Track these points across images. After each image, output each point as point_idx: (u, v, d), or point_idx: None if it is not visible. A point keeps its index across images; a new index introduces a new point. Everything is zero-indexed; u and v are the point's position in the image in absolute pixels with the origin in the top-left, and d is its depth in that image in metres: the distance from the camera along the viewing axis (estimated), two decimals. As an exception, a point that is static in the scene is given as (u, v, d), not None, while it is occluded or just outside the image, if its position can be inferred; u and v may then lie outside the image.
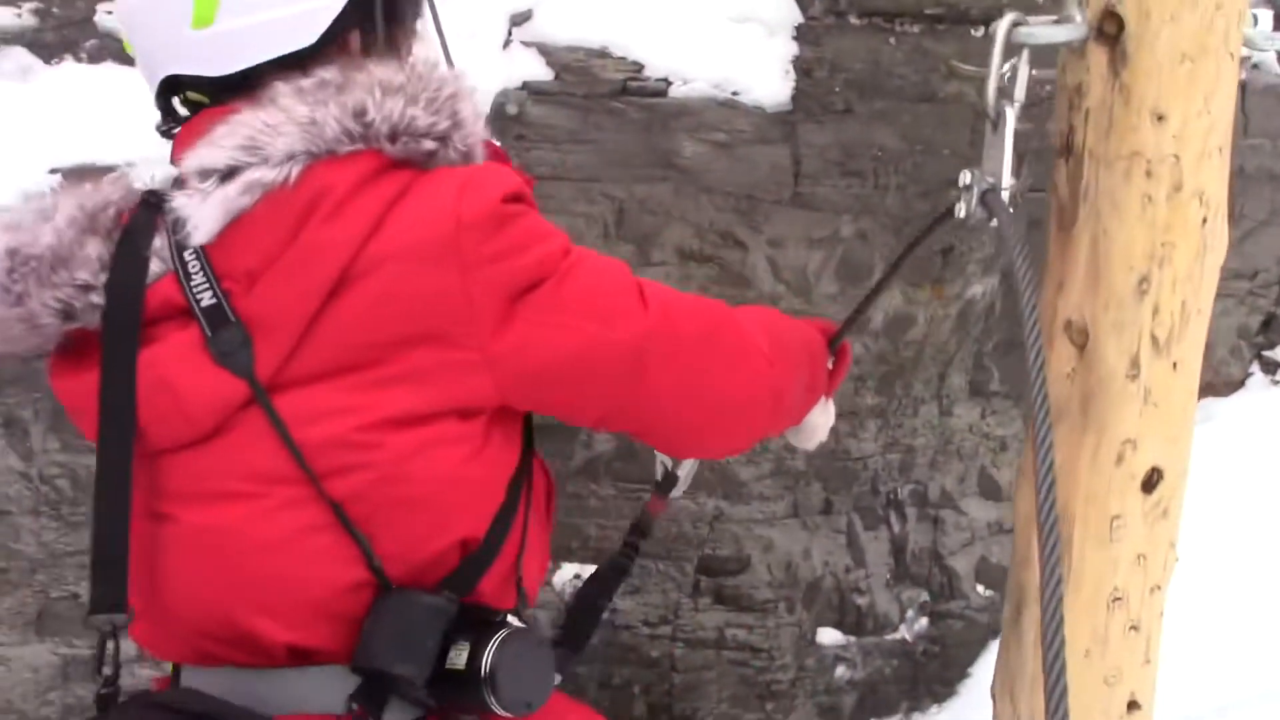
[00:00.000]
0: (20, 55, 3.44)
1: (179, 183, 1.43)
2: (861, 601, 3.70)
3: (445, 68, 1.50)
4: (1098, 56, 1.61)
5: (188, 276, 1.36)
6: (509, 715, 1.36)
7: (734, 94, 3.31)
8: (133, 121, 3.18)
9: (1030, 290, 1.51)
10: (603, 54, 3.21)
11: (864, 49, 3.34)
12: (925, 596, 3.76)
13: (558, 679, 1.50)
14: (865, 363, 3.55)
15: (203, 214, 1.34)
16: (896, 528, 3.71)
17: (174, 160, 1.47)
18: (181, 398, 1.36)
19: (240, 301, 1.34)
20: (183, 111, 1.51)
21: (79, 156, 3.18)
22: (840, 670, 3.69)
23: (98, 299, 1.39)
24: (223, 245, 1.35)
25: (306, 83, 1.40)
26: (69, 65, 3.47)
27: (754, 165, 3.29)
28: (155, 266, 1.39)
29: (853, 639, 3.71)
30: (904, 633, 3.74)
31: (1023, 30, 1.62)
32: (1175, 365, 1.67)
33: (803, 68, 3.34)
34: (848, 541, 3.66)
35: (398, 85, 1.40)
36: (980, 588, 3.81)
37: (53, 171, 3.15)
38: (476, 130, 1.46)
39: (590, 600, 1.97)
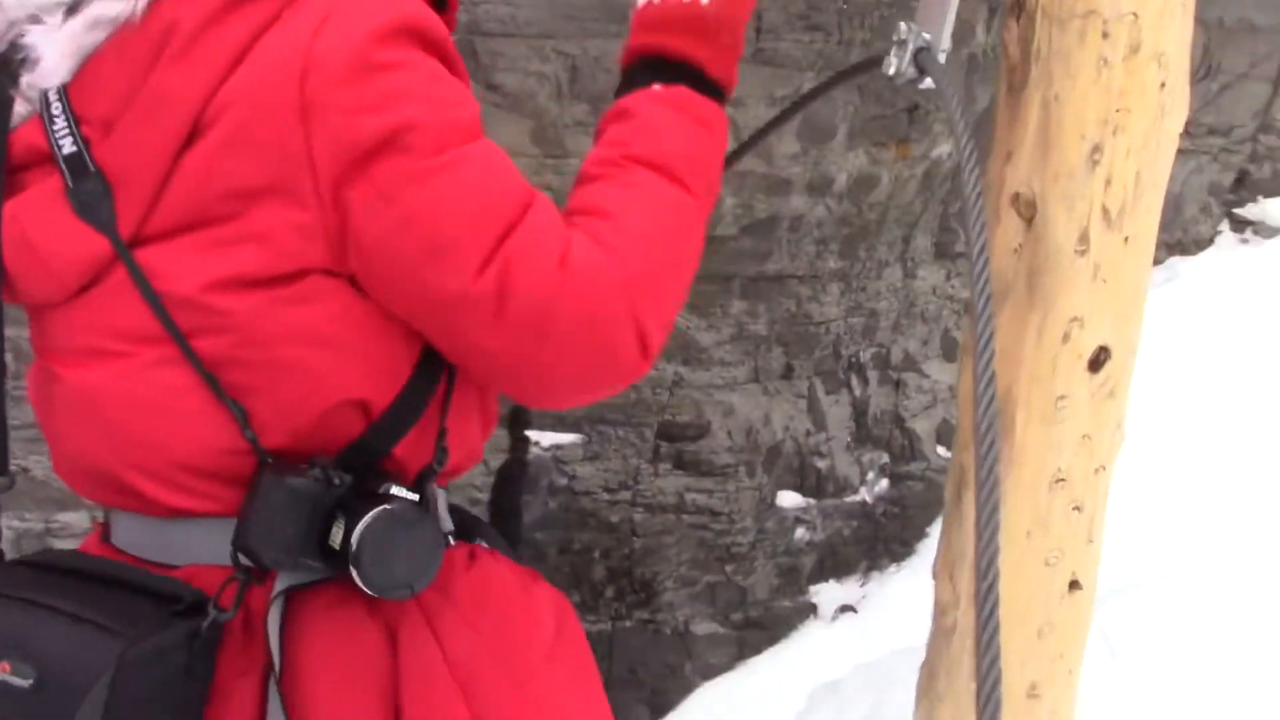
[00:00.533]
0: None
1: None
2: (822, 465, 3.66)
3: None
4: (1053, -93, 1.48)
5: (51, 119, 1.24)
6: (385, 596, 1.29)
7: (692, -57, 3.14)
8: None
9: (972, 159, 1.40)
10: (554, -104, 3.03)
11: (829, -107, 3.16)
12: (886, 459, 3.73)
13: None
14: (828, 225, 3.44)
15: (52, 52, 1.23)
16: (858, 391, 3.65)
17: None
18: (44, 257, 1.27)
19: (98, 150, 1.23)
20: None
21: None
22: (800, 532, 3.67)
23: None
24: (80, 86, 1.24)
25: None
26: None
27: (713, 19, 3.13)
28: (21, 108, 1.27)
29: (812, 501, 3.68)
30: (864, 495, 3.72)
31: None
32: (1127, 240, 1.57)
33: (765, -88, 3.16)
34: (808, 406, 3.60)
35: None
36: (941, 449, 3.77)
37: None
38: None
39: (504, 507, 1.87)
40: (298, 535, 1.26)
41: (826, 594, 3.72)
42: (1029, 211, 1.58)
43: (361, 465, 1.32)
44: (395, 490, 1.32)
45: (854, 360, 3.63)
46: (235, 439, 1.27)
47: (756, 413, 3.50)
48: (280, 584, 1.29)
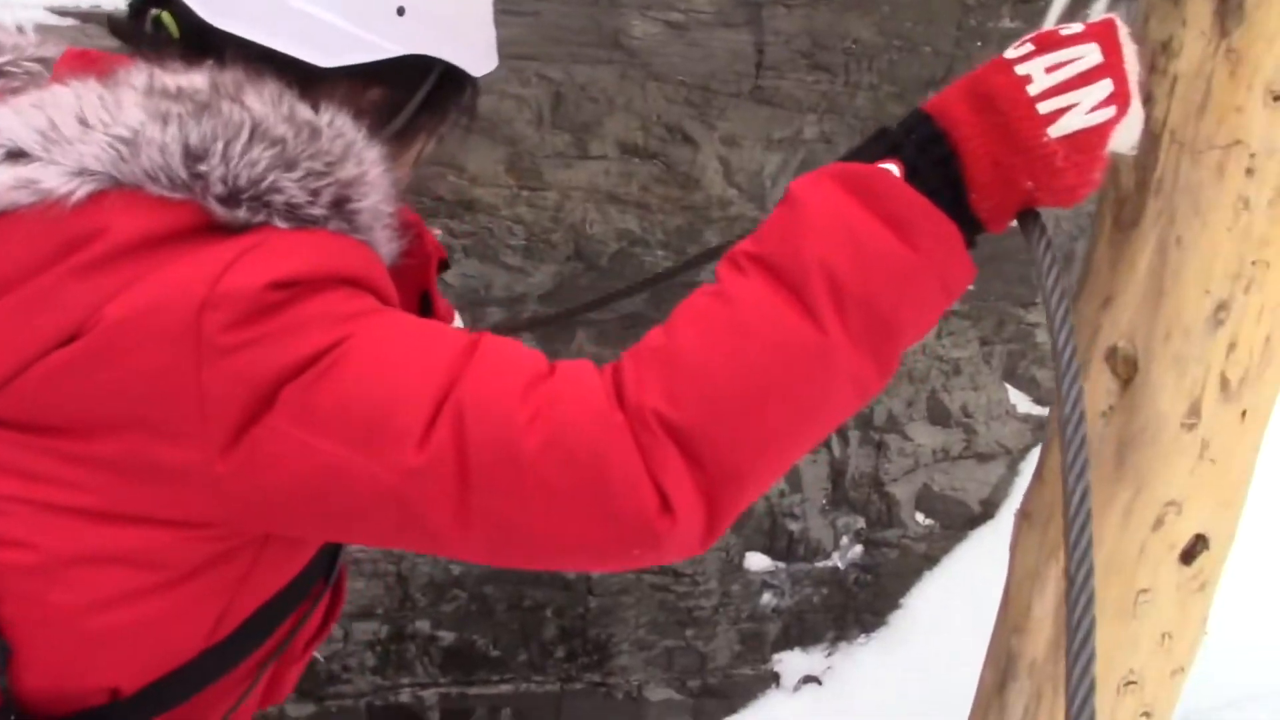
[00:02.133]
0: None
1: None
2: (794, 527, 3.34)
3: (359, 138, 1.12)
4: (1199, 7, 1.14)
5: None
6: None
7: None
8: None
9: (1062, 305, 1.07)
10: (545, -89, 2.68)
11: (844, -76, 2.83)
12: (862, 524, 3.42)
13: None
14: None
15: None
16: (837, 451, 3.34)
17: (60, 66, 1.18)
18: None
19: None
20: (147, 24, 1.19)
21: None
22: (767, 597, 3.36)
23: None
24: None
25: (168, 80, 1.07)
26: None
27: (711, 52, 2.81)
28: None
29: (782, 565, 3.37)
30: (836, 560, 3.41)
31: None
32: (1244, 414, 1.25)
33: (774, -58, 2.82)
34: (784, 465, 3.29)
35: (275, 137, 1.05)
36: (920, 516, 3.47)
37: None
38: (370, 225, 1.11)
39: None
40: None
41: (790, 663, 3.41)
42: (1127, 371, 1.25)
43: None
44: None
45: (835, 419, 3.31)
46: None
47: (729, 472, 3.18)
48: None
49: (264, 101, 1.07)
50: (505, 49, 2.59)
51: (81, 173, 1.02)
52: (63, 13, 2.59)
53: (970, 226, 1.06)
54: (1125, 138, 1.08)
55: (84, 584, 1.08)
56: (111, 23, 1.23)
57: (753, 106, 2.88)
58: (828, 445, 3.33)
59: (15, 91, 1.14)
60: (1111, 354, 1.26)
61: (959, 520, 3.47)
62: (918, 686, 3.20)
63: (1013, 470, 3.50)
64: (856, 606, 3.44)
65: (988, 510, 3.48)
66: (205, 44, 1.14)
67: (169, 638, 1.14)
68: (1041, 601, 1.37)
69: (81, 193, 1.02)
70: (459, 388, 1.01)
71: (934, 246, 1.03)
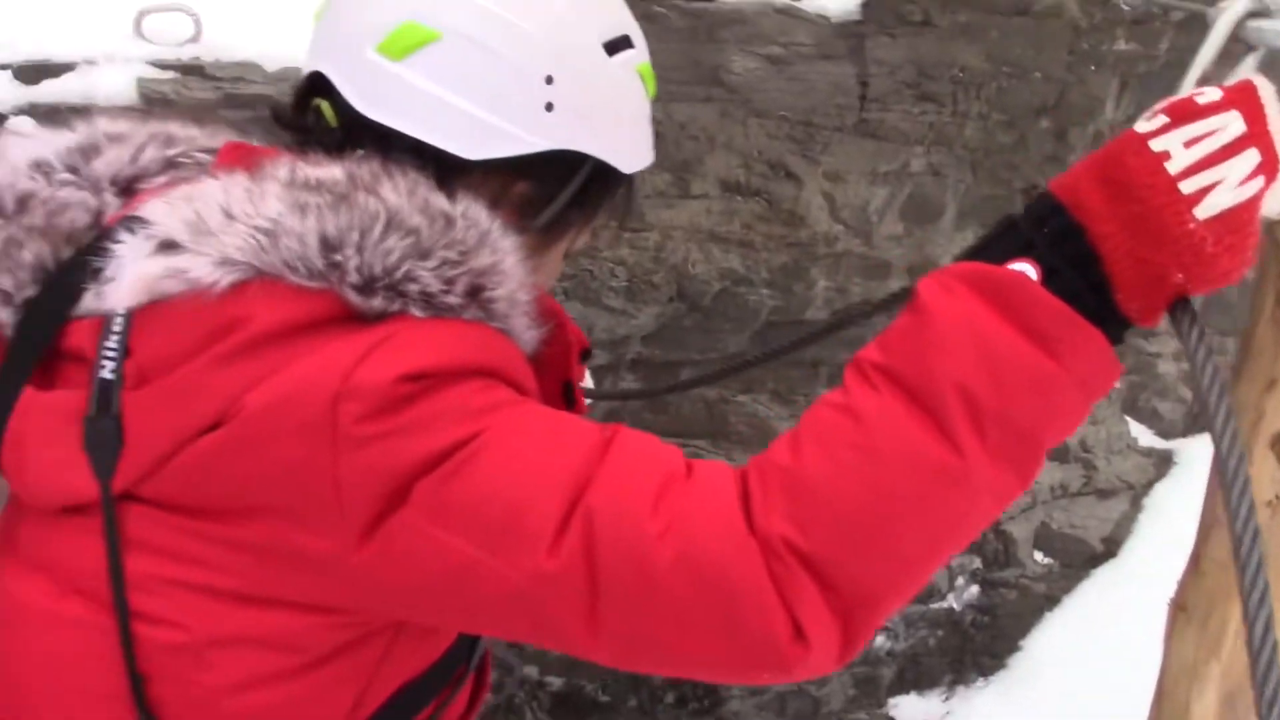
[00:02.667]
0: (-31, -70, 2.86)
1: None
2: (907, 567, 3.23)
3: (494, 227, 1.12)
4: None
5: (107, 333, 1.10)
6: None
7: (794, -1, 2.72)
8: (96, 7, 2.69)
9: (1222, 398, 0.97)
10: (643, -50, 2.61)
11: (949, -51, 2.72)
12: (978, 564, 3.29)
13: None
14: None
15: (128, 279, 1.09)
16: (951, 490, 3.22)
17: (216, 159, 1.24)
18: (33, 469, 1.15)
19: (128, 395, 1.09)
20: (309, 114, 1.24)
21: (32, 49, 2.66)
22: (880, 640, 3.27)
23: (8, 316, 1.17)
24: (145, 319, 1.09)
25: (309, 172, 1.10)
26: (25, -57, 2.90)
27: (812, 85, 2.73)
28: (91, 301, 1.13)
29: (895, 606, 3.26)
30: (952, 601, 3.29)
31: (1262, 27, 1.03)
32: None
33: (877, -30, 2.73)
34: (896, 505, 3.19)
35: (409, 227, 1.07)
36: (1038, 555, 3.33)
37: (1, 68, 2.63)
38: (507, 314, 1.12)
39: None
40: None
41: (906, 708, 3.30)
42: (1295, 459, 1.14)
43: None
44: None
45: (949, 457, 3.20)
46: None
47: (840, 513, 3.08)
48: None
49: (399, 192, 1.09)
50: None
51: (225, 262, 1.05)
52: (163, 66, 2.61)
53: (1116, 324, 0.97)
54: (1275, 203, 0.97)
55: (227, 665, 1.11)
56: (274, 111, 1.28)
57: (857, 140, 2.78)
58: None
59: (186, 181, 1.18)
60: (1277, 441, 1.16)
61: (1080, 559, 3.33)
62: (1039, 732, 3.08)
63: (1136, 506, 3.35)
64: (974, 649, 3.31)
65: (1110, 548, 3.33)
66: (360, 133, 1.18)
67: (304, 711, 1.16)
68: (1201, 702, 1.27)
69: (225, 282, 1.05)
70: (591, 491, 0.99)
71: (1078, 356, 0.94)
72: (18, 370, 1.17)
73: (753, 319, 2.94)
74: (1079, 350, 0.94)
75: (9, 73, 2.64)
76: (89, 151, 1.26)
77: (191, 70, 2.61)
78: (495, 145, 1.18)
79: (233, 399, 1.04)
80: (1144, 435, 3.35)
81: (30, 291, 1.18)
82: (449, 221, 1.09)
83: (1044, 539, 3.32)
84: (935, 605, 3.28)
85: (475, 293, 1.09)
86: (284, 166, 1.11)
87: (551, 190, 1.23)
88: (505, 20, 1.17)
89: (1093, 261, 0.95)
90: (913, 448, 0.94)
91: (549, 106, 1.19)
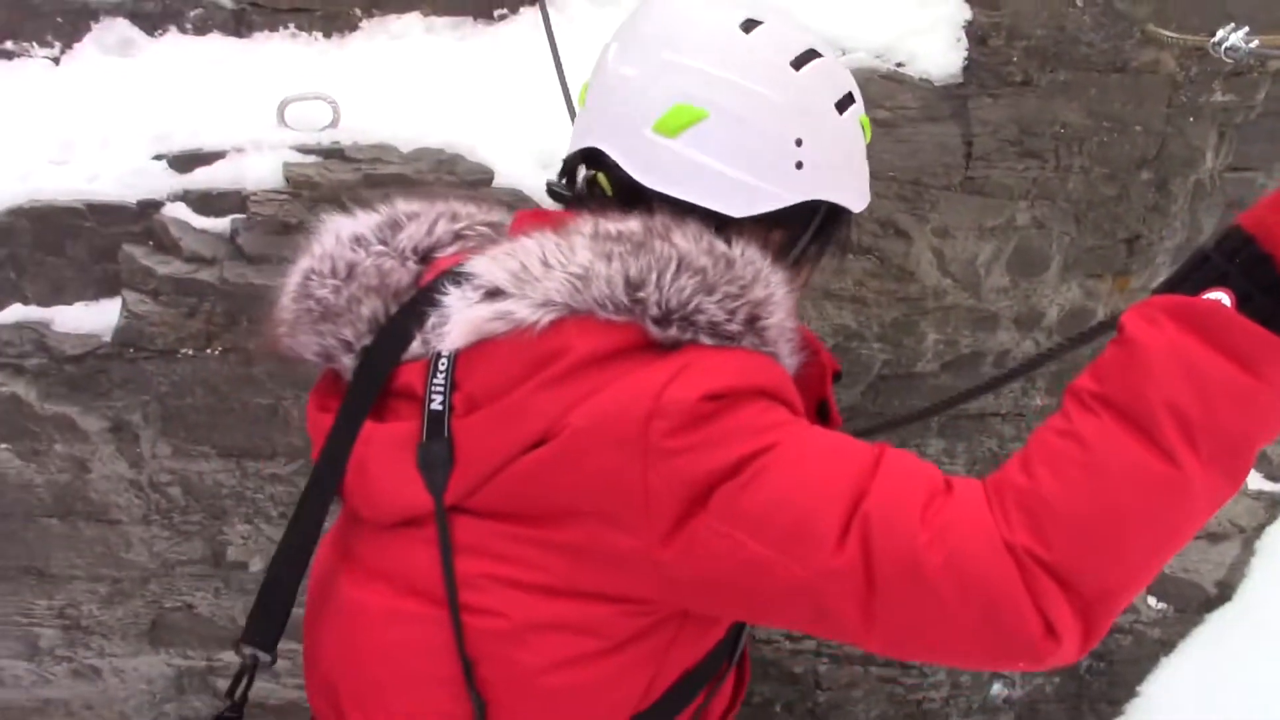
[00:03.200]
0: (121, 27, 3.08)
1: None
2: (1021, 614, 3.25)
3: (766, 264, 1.29)
4: None
5: (434, 372, 1.30)
6: None
7: (898, 65, 2.83)
8: (242, 99, 2.85)
9: None
10: (754, 24, 2.73)
11: (1045, 12, 2.81)
12: (1092, 610, 3.29)
13: None
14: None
15: (458, 323, 1.27)
16: (1062, 536, 3.24)
17: (514, 223, 1.46)
18: (375, 489, 1.34)
19: (458, 422, 1.28)
20: (578, 183, 1.44)
21: (185, 140, 2.83)
22: (997, 688, 3.27)
23: (349, 362, 1.39)
24: (470, 356, 1.28)
25: (610, 226, 1.28)
26: (173, 37, 3.09)
27: (919, 146, 2.81)
28: (417, 347, 1.34)
29: (1011, 654, 3.27)
30: (1067, 648, 3.29)
31: None
32: None
33: (976, 34, 2.83)
34: (1009, 552, 3.21)
35: (698, 267, 1.24)
36: (1152, 600, 3.33)
37: (157, 158, 2.80)
38: (776, 339, 1.28)
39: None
40: None
41: (1026, 755, 3.30)
42: None
43: None
44: None
45: (1059, 503, 3.22)
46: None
47: (955, 561, 3.11)
48: None
49: (688, 239, 1.26)
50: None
51: (546, 304, 1.22)
52: (305, 150, 2.74)
53: None
54: None
55: (542, 647, 1.26)
56: (550, 190, 1.46)
57: (963, 197, 2.86)
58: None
59: (474, 250, 1.36)
60: None
61: (1194, 603, 3.33)
62: (1161, 777, 3.07)
63: (1248, 549, 3.35)
64: (1091, 695, 3.31)
65: (1224, 592, 3.32)
66: (635, 198, 1.35)
67: (608, 700, 1.31)
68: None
69: (545, 320, 1.22)
70: (867, 500, 1.13)
71: (1275, 369, 1.05)
72: (359, 407, 1.35)
73: (865, 373, 3.01)
74: (1275, 364, 1.05)
75: (164, 162, 2.81)
76: (393, 227, 1.45)
77: (332, 154, 2.74)
78: (759, 203, 1.34)
79: (556, 418, 1.20)
80: (1253, 478, 3.36)
81: (367, 340, 1.38)
82: (729, 262, 1.25)
83: (1158, 584, 3.33)
84: (1051, 652, 3.29)
85: (752, 321, 1.24)
86: (588, 223, 1.29)
87: (797, 233, 1.40)
88: (761, 95, 1.31)
89: None
90: (1133, 463, 1.06)
91: (799, 165, 1.34)
